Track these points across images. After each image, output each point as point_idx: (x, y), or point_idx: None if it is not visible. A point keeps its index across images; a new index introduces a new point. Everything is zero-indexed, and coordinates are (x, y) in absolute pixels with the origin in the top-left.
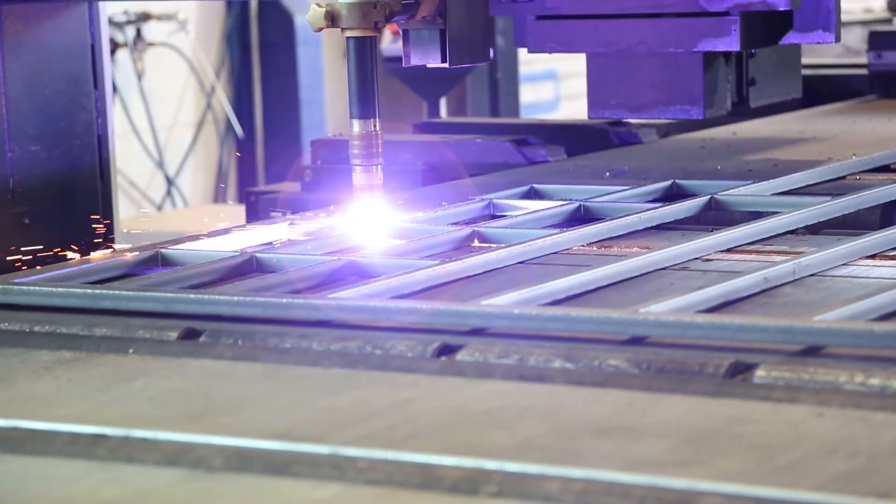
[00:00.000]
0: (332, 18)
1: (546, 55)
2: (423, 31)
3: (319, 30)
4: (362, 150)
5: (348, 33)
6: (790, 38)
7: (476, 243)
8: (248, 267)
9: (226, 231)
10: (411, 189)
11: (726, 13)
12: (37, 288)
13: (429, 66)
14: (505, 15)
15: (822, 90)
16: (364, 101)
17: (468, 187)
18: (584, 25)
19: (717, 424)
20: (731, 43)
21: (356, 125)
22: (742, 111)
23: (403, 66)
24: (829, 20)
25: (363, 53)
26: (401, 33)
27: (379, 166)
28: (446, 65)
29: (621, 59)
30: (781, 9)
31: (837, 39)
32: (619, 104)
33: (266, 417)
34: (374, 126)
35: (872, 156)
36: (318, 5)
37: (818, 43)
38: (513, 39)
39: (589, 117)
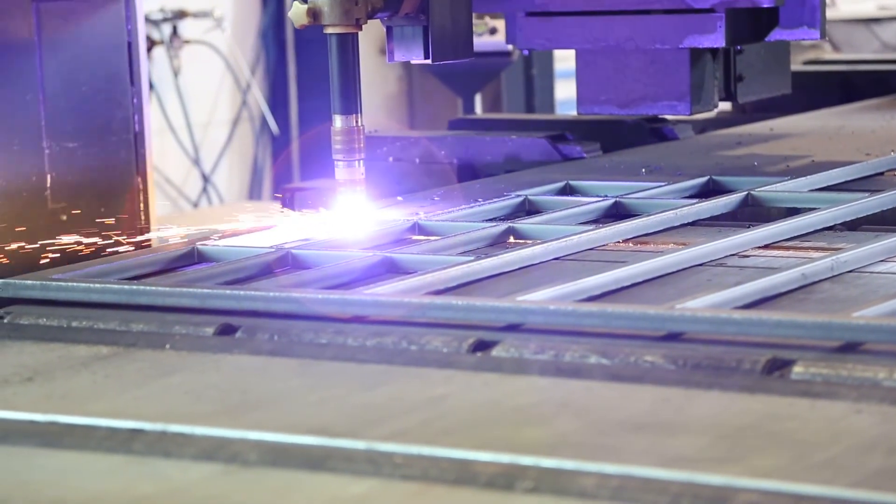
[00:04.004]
0: (314, 15)
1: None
2: (407, 28)
3: (302, 26)
4: (344, 145)
5: (330, 30)
6: (776, 35)
7: (511, 239)
8: (283, 263)
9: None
10: (446, 185)
11: (711, 10)
12: (74, 284)
13: (413, 62)
14: (493, 12)
15: (861, 86)
16: (346, 96)
17: (503, 183)
18: (572, 22)
19: (753, 421)
20: (716, 39)
21: (338, 121)
22: (777, 107)
23: (387, 62)
24: (814, 16)
25: (345, 50)
26: (385, 30)
27: (361, 161)
28: (429, 61)
29: (610, 56)
30: (766, 5)
31: (823, 36)
32: (607, 100)
33: (302, 412)
34: (357, 121)
35: None
36: (301, 2)
37: (804, 39)
38: (505, 36)
39: (578, 113)
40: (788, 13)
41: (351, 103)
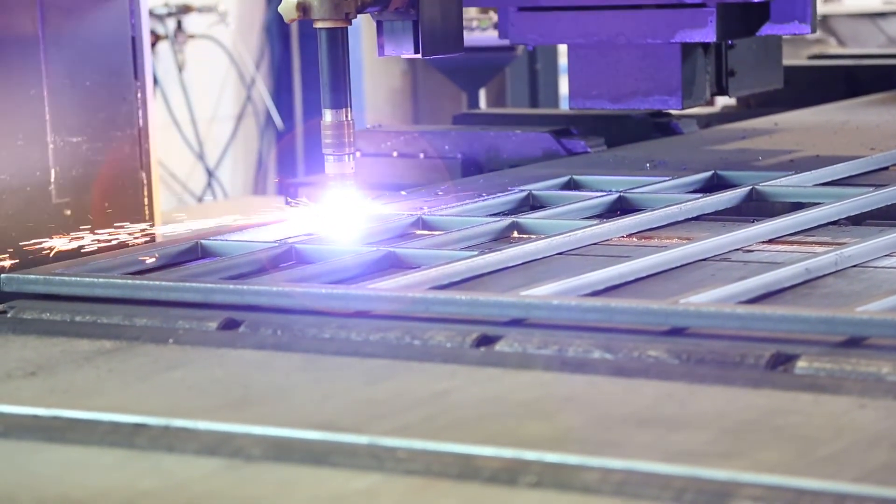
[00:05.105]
0: (304, 10)
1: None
2: (397, 23)
3: (292, 21)
4: (334, 139)
5: (319, 24)
6: (767, 30)
7: (515, 234)
8: (287, 257)
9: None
10: (450, 180)
11: (703, 4)
12: (78, 278)
13: (403, 56)
14: (485, 6)
15: (866, 80)
16: (336, 90)
17: (507, 178)
18: (564, 17)
19: (757, 415)
20: (707, 34)
21: (328, 115)
22: (782, 102)
23: (377, 56)
24: (805, 12)
25: (335, 44)
26: (375, 25)
27: (351, 155)
28: (420, 55)
29: (602, 51)
30: (757, 0)
31: (813, 30)
32: (599, 94)
33: (305, 407)
34: (346, 116)
35: None
36: None
37: (795, 34)
38: (498, 31)
39: (570, 107)
40: (779, 8)
41: (341, 97)
